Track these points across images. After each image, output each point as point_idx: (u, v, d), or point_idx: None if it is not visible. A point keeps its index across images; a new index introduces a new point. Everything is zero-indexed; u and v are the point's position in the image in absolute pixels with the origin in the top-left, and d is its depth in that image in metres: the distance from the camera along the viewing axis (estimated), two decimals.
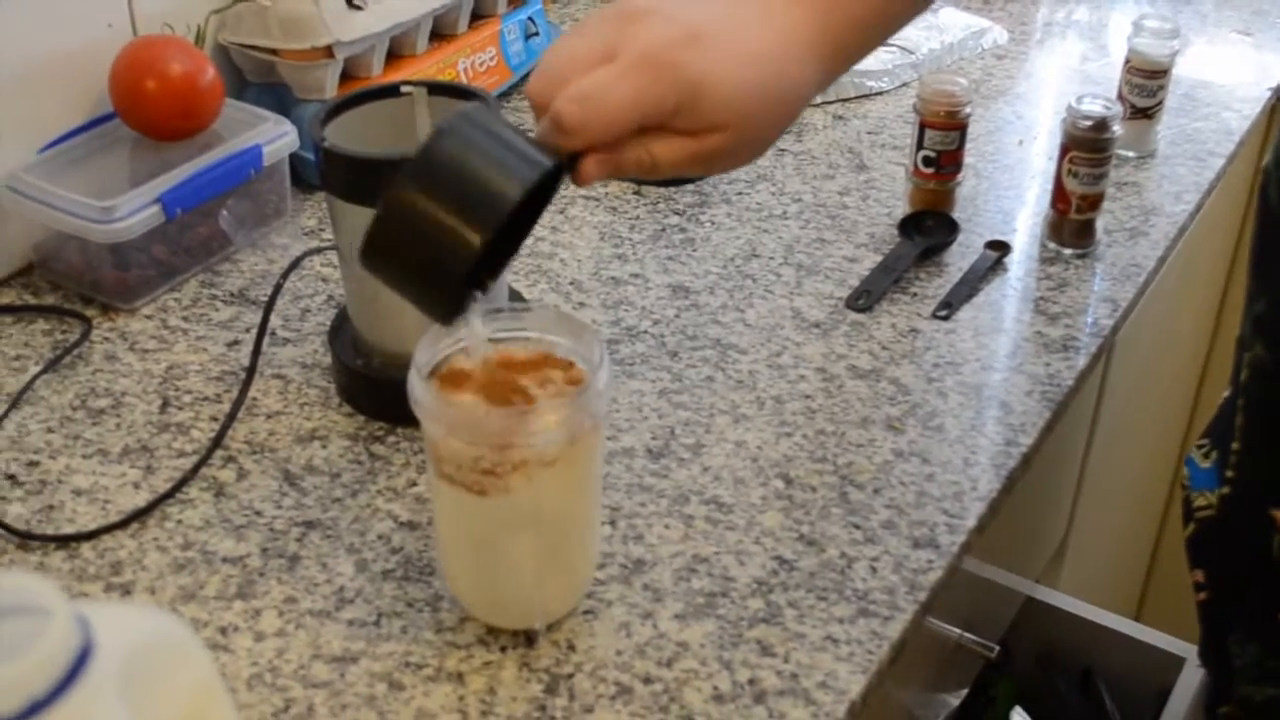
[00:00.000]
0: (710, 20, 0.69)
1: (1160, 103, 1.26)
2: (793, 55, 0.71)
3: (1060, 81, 1.43)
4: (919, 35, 1.43)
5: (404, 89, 0.93)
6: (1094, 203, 1.12)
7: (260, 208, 1.12)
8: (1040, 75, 1.45)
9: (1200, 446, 0.91)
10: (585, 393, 0.70)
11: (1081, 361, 1.01)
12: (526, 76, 1.35)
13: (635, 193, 1.20)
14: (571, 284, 1.08)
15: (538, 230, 1.14)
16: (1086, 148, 1.10)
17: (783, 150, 1.27)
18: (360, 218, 0.87)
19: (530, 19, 1.36)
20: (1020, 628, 1.23)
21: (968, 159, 1.21)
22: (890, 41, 1.35)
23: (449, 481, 0.71)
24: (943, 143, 1.12)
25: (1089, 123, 1.10)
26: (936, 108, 1.12)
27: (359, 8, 1.16)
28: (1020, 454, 0.92)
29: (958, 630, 1.03)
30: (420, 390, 0.70)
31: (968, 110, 1.13)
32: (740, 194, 1.20)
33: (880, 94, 1.37)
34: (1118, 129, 1.11)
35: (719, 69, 0.67)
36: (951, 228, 1.13)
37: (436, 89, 0.93)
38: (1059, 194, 1.12)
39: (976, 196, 1.21)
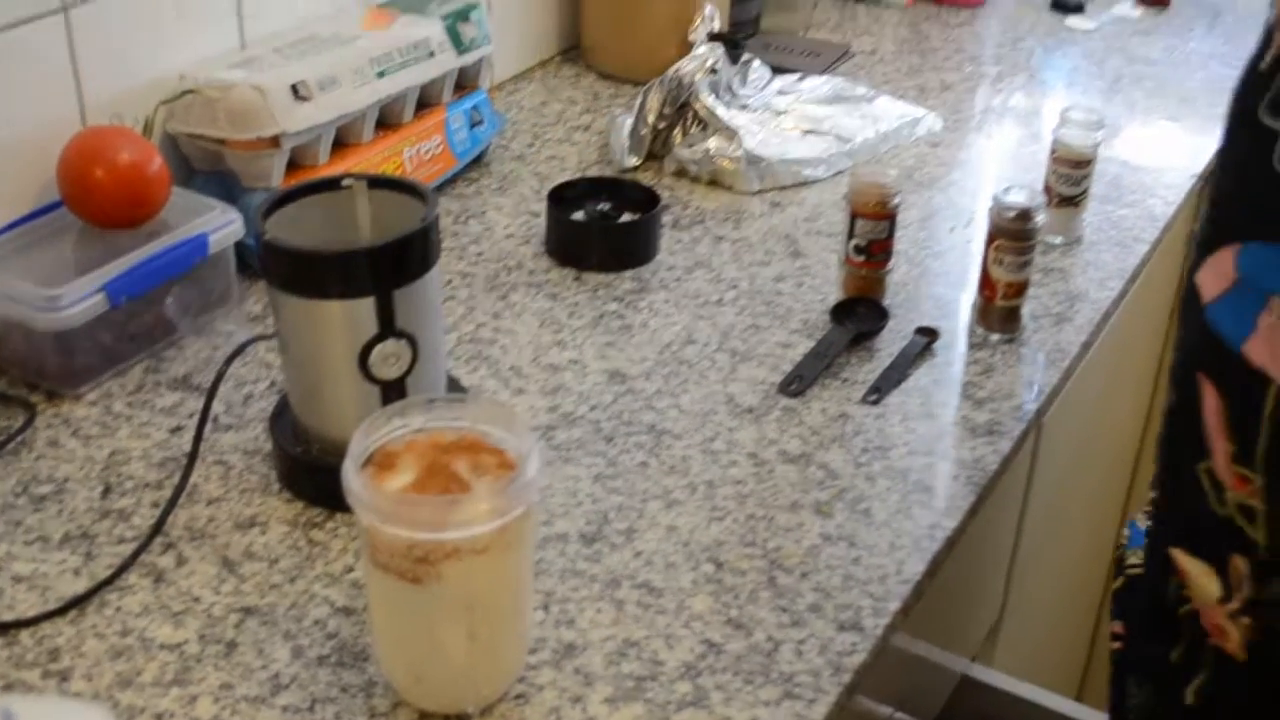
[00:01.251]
0: None
1: (1085, 191, 1.31)
2: None
3: (994, 169, 1.48)
4: (855, 124, 1.48)
5: (345, 182, 0.96)
6: (1019, 289, 1.16)
7: (206, 295, 1.14)
8: (974, 163, 1.50)
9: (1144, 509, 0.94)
10: (516, 480, 0.73)
11: (1005, 446, 1.04)
12: (472, 164, 1.39)
13: (576, 279, 1.24)
14: (511, 369, 1.11)
15: (478, 315, 1.17)
16: (1010, 237, 1.14)
17: (721, 238, 1.31)
18: (299, 309, 0.90)
19: (475, 108, 1.39)
20: (956, 707, 1.25)
21: (901, 246, 1.26)
22: (827, 131, 1.40)
23: (383, 569, 0.74)
24: (873, 232, 1.17)
25: (1012, 213, 1.14)
26: (866, 199, 1.16)
27: (305, 99, 1.19)
28: (944, 537, 0.95)
29: (890, 709, 1.06)
30: (354, 481, 0.73)
31: (897, 201, 1.17)
32: (678, 280, 1.24)
33: (816, 182, 1.41)
34: (1041, 219, 1.15)
35: None
36: (882, 314, 1.17)
37: (376, 182, 0.96)
38: (985, 281, 1.16)
39: (909, 283, 1.25)
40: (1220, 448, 0.75)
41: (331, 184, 0.96)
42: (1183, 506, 0.80)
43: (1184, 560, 0.81)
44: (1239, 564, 0.76)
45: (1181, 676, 0.83)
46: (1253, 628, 0.77)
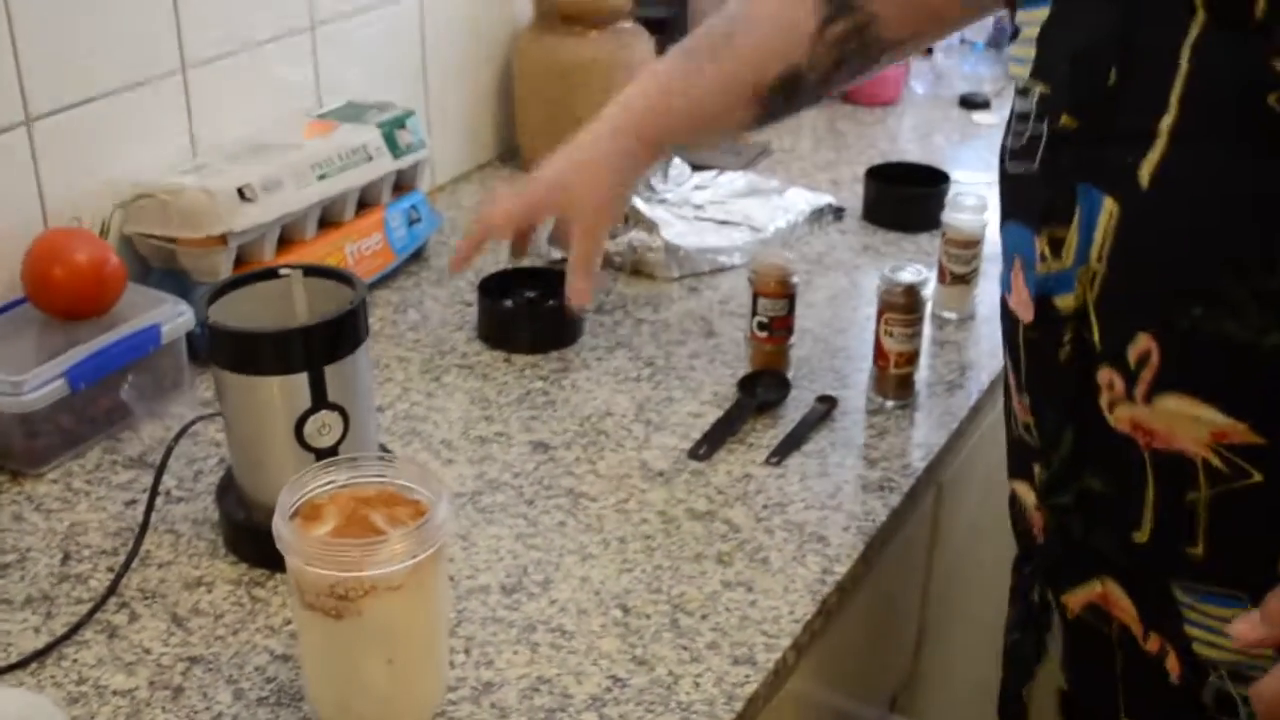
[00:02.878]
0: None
1: (976, 269, 1.42)
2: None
3: (894, 251, 1.60)
4: (767, 214, 1.60)
5: (282, 272, 1.06)
6: (910, 359, 1.26)
7: (160, 381, 1.24)
8: (879, 247, 1.61)
9: None
10: (426, 524, 0.82)
11: (895, 500, 1.14)
12: (410, 258, 1.50)
13: (505, 360, 1.34)
14: (442, 442, 1.21)
15: (413, 395, 1.27)
16: (899, 310, 1.25)
17: (641, 320, 1.42)
18: (241, 386, 1.00)
19: (413, 207, 1.50)
20: None
21: (808, 323, 1.37)
22: (741, 221, 1.52)
23: (310, 609, 0.83)
24: (774, 310, 1.27)
25: (900, 289, 1.25)
26: (767, 279, 1.27)
27: (250, 200, 1.30)
28: (835, 582, 1.05)
29: None
30: (283, 528, 0.82)
31: (795, 280, 1.28)
32: (600, 359, 1.34)
33: (731, 268, 1.52)
34: (926, 293, 1.26)
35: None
36: (785, 385, 1.27)
37: (311, 271, 1.07)
38: (879, 352, 1.27)
39: (813, 356, 1.35)
40: (1011, 383, 0.94)
41: (270, 274, 1.07)
42: (1009, 441, 0.98)
43: (1016, 486, 0.97)
44: (1037, 470, 0.92)
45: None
46: (1049, 522, 0.94)
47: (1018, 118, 0.89)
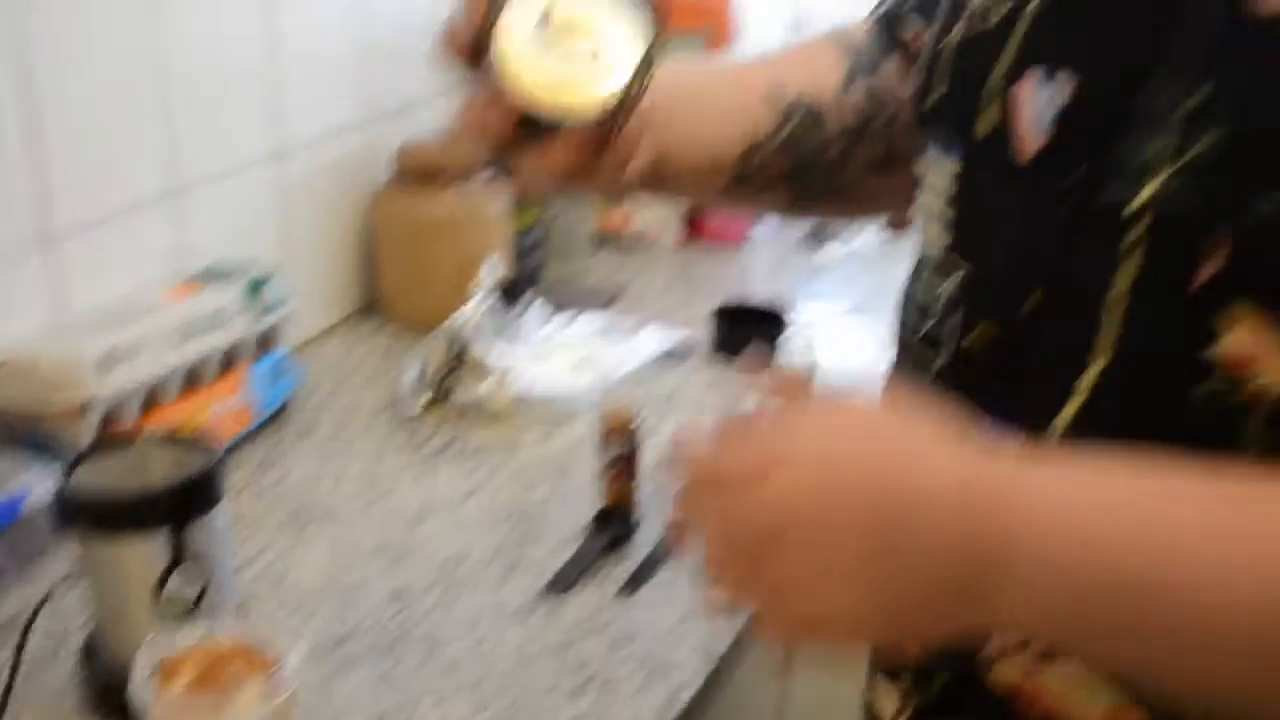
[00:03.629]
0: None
1: None
2: None
3: (742, 389, 1.68)
4: (621, 356, 1.68)
5: (139, 437, 1.11)
6: None
7: (26, 547, 1.27)
8: (730, 382, 1.70)
9: None
10: (277, 673, 0.87)
11: (739, 623, 1.21)
12: (271, 417, 1.55)
13: (365, 510, 1.39)
14: (303, 594, 1.25)
15: (275, 548, 1.31)
16: None
17: (497, 466, 1.48)
18: (103, 549, 1.04)
19: (275, 365, 1.56)
20: None
21: (657, 458, 1.44)
22: (594, 364, 1.59)
23: None
24: (621, 450, 1.34)
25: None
26: (612, 422, 1.34)
27: (112, 366, 1.34)
28: (681, 707, 1.11)
29: None
30: (139, 687, 0.86)
31: (638, 422, 1.35)
32: (458, 506, 1.40)
33: (583, 411, 1.60)
34: None
35: None
36: (634, 521, 1.34)
37: (168, 437, 1.12)
38: None
39: (662, 491, 1.42)
40: None
41: (129, 440, 1.12)
42: None
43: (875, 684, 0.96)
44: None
45: None
46: None
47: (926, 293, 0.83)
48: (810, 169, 0.98)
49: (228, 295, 1.51)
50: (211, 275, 1.56)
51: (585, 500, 1.40)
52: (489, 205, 1.83)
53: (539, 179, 0.82)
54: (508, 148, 0.81)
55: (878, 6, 1.02)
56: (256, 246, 1.68)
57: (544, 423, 1.58)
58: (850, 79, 0.98)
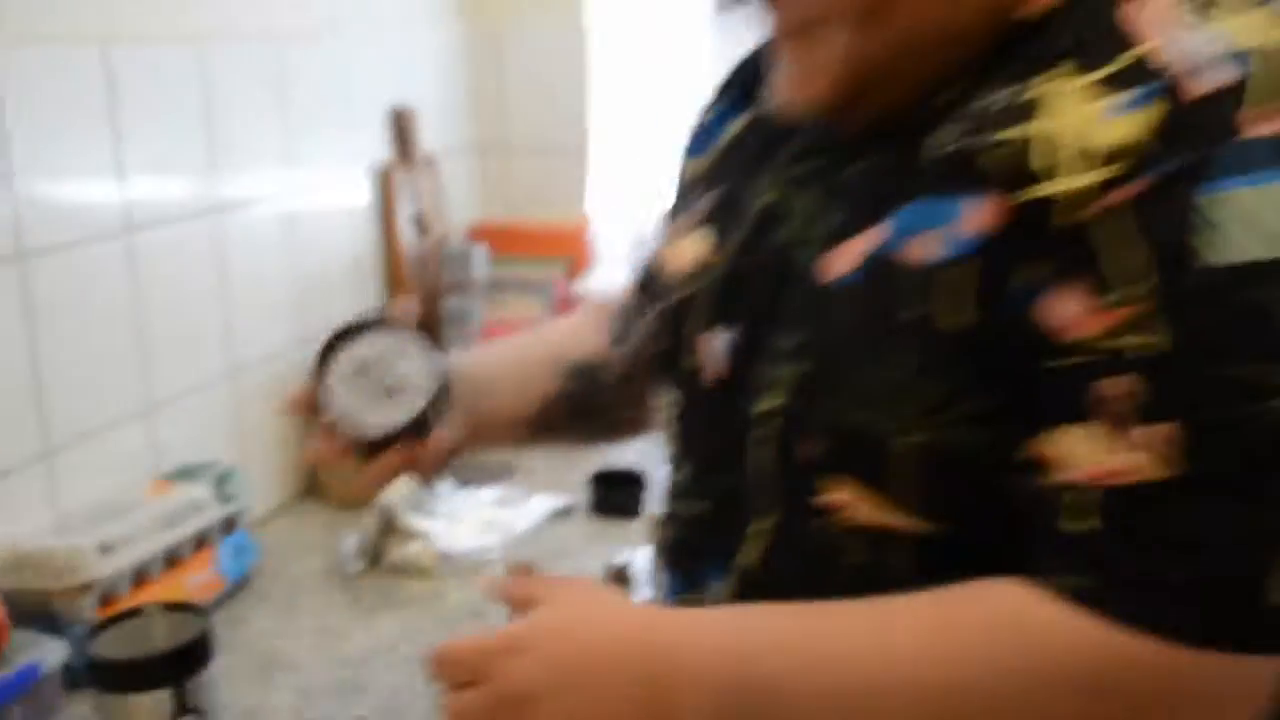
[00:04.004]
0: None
1: None
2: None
3: (618, 534, 1.80)
4: (516, 518, 1.80)
5: (145, 610, 1.20)
6: None
7: (43, 707, 1.33)
8: (603, 533, 1.82)
9: None
10: None
11: None
12: (237, 583, 1.63)
13: (330, 655, 1.48)
14: None
15: (253, 694, 1.39)
16: (620, 582, 1.45)
17: (426, 612, 1.58)
18: (117, 704, 1.12)
19: (238, 544, 1.65)
20: None
21: None
22: (496, 525, 1.71)
23: None
24: None
25: (614, 569, 1.45)
26: (515, 572, 1.45)
27: (109, 552, 1.43)
28: None
29: None
30: None
31: (536, 571, 1.47)
32: (393, 647, 1.49)
33: (493, 563, 1.71)
34: (635, 570, 1.47)
35: None
36: None
37: (167, 606, 1.21)
38: None
39: None
40: None
41: (135, 612, 1.20)
42: None
43: None
44: None
45: None
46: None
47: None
48: (593, 413, 1.11)
49: (199, 489, 1.60)
50: (183, 473, 1.65)
51: None
52: None
53: (379, 478, 0.99)
54: (351, 463, 0.98)
55: (633, 275, 1.16)
56: (216, 446, 1.78)
57: (461, 575, 1.68)
58: (615, 339, 1.12)
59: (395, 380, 0.95)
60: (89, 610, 1.41)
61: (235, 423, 1.83)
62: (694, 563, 0.92)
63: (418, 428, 0.95)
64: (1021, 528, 0.77)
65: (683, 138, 1.10)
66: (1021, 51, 0.80)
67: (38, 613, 1.43)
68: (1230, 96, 0.71)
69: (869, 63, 0.82)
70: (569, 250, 2.41)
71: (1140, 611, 0.71)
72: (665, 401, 1.02)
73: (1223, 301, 0.69)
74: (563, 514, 1.87)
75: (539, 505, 1.86)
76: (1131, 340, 0.71)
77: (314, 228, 1.98)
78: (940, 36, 0.82)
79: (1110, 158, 0.72)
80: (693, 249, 0.98)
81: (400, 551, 1.68)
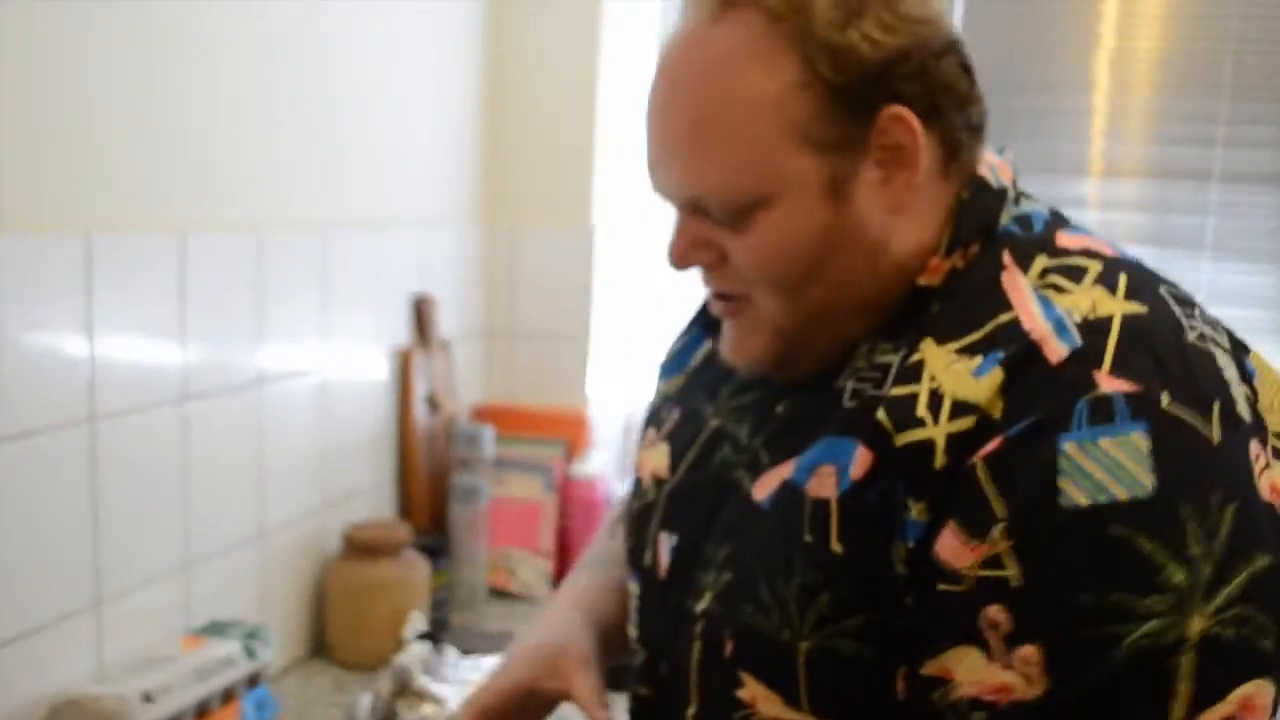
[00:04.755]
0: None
1: None
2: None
3: None
4: None
5: None
6: None
7: None
8: None
9: None
10: None
11: None
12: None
13: None
14: None
15: None
16: None
17: None
18: None
19: (260, 698, 1.72)
20: None
21: None
22: None
23: None
24: None
25: None
26: None
27: (150, 702, 1.51)
28: None
29: None
30: None
31: None
32: None
33: None
34: None
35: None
36: None
37: None
38: None
39: None
40: None
41: None
42: None
43: None
44: None
45: None
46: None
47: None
48: None
49: (230, 645, 1.69)
50: (213, 629, 1.74)
51: None
52: (416, 569, 2.05)
53: None
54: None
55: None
56: (240, 604, 1.87)
57: None
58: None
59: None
60: None
61: (259, 582, 1.92)
62: None
63: None
64: None
65: (659, 358, 1.27)
66: (918, 313, 0.96)
67: None
68: (1080, 360, 0.85)
69: (794, 329, 0.99)
70: (568, 433, 2.54)
71: None
72: (630, 592, 1.17)
73: (1074, 539, 0.80)
74: None
75: None
76: (996, 573, 0.83)
77: (340, 401, 2.11)
78: (857, 303, 0.98)
79: (976, 412, 0.86)
80: (654, 460, 1.15)
81: (414, 714, 1.76)
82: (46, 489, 1.49)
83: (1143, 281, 0.91)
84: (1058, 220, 1.00)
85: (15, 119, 1.41)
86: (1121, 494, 0.79)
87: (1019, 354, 0.87)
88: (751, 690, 0.95)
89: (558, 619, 1.17)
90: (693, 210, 0.98)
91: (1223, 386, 0.84)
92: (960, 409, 0.87)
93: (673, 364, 1.24)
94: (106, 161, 1.55)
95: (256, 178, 1.85)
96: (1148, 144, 2.51)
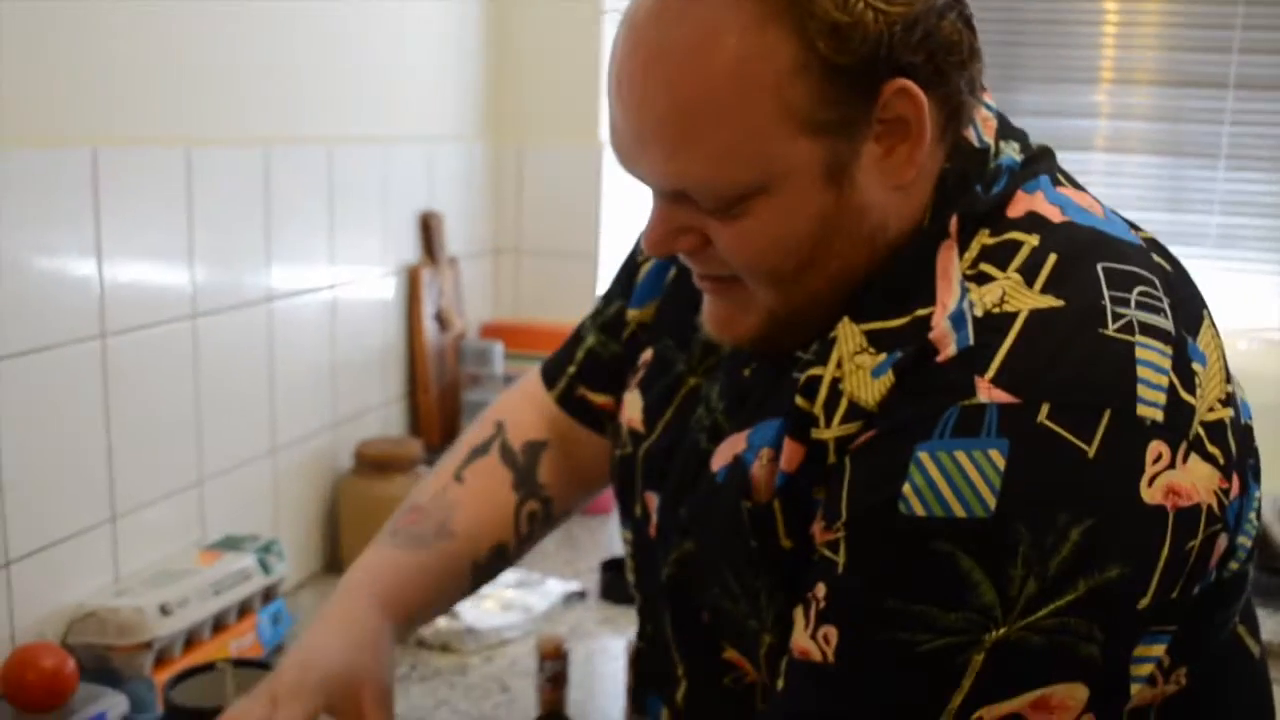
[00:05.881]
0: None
1: None
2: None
3: (628, 619, 1.90)
4: (535, 600, 1.90)
5: (218, 665, 1.30)
6: None
7: None
8: (613, 618, 1.92)
9: None
10: None
11: None
12: (274, 650, 1.72)
13: None
14: None
15: None
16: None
17: (453, 684, 1.67)
18: None
19: (276, 613, 1.74)
20: None
21: (578, 676, 1.65)
22: (518, 606, 1.81)
23: None
24: (555, 668, 1.55)
25: (633, 645, 1.56)
26: (546, 647, 1.56)
27: (168, 614, 1.52)
28: None
29: None
30: None
31: (567, 646, 1.57)
32: (423, 716, 1.59)
33: (514, 640, 1.81)
34: None
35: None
36: None
37: (237, 663, 1.31)
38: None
39: (585, 699, 1.63)
40: None
41: (209, 667, 1.30)
42: None
43: None
44: None
45: None
46: None
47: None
48: (495, 575, 1.26)
49: (246, 559, 1.69)
50: (229, 544, 1.74)
51: (525, 709, 1.60)
52: None
53: None
54: None
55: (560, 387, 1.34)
56: (254, 519, 1.87)
57: (484, 650, 1.78)
58: (522, 502, 1.25)
59: None
60: (147, 668, 1.50)
61: (273, 498, 1.93)
62: (641, 689, 1.11)
63: None
64: None
65: (622, 285, 1.26)
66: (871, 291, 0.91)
67: (98, 668, 1.51)
68: (965, 363, 0.81)
69: (787, 313, 0.94)
70: None
71: None
72: (624, 537, 1.18)
73: (898, 545, 0.80)
74: (576, 597, 1.97)
75: (553, 589, 1.96)
76: (830, 555, 0.86)
77: (349, 318, 2.10)
78: (853, 285, 0.91)
79: (865, 417, 0.86)
80: (629, 411, 1.14)
81: (429, 626, 1.77)
82: (60, 404, 1.49)
83: (1075, 262, 0.83)
84: (1024, 172, 0.90)
85: (19, 34, 1.38)
86: (959, 511, 0.77)
87: (912, 355, 0.84)
88: (733, 654, 1.00)
89: (355, 622, 1.09)
90: (675, 198, 0.89)
91: (1127, 386, 0.78)
92: (853, 413, 0.87)
93: (645, 289, 1.21)
94: (113, 76, 1.53)
95: (263, 93, 1.83)
96: (1161, 50, 2.46)
